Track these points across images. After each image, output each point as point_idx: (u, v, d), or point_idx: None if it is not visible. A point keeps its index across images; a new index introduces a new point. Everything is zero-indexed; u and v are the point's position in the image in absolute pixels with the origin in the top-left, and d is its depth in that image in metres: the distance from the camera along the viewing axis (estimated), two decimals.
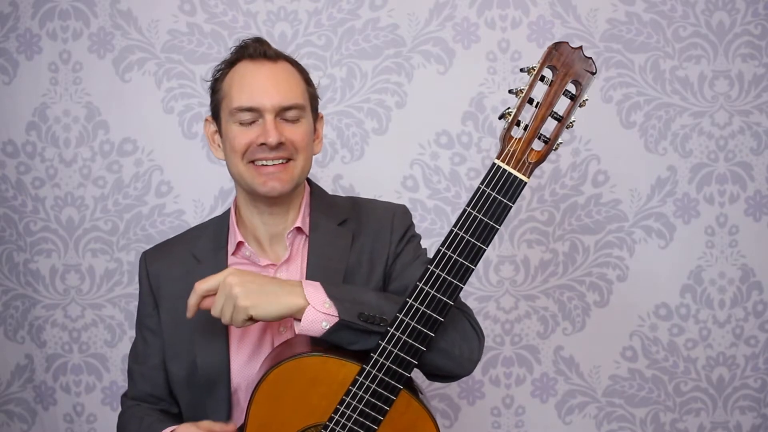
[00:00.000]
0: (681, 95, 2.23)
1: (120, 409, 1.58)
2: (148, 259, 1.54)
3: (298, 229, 1.48)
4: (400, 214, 1.51)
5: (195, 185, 2.20)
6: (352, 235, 1.47)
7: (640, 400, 2.28)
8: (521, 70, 1.21)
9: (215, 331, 1.43)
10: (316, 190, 1.55)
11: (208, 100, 2.16)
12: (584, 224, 2.25)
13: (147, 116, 2.18)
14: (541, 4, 2.19)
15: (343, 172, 2.21)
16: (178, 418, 1.51)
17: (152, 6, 2.16)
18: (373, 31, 2.19)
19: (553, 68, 1.19)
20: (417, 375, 1.47)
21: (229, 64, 1.46)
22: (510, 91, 1.22)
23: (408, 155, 2.22)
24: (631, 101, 2.22)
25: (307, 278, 1.42)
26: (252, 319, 1.28)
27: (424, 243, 1.60)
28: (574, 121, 1.22)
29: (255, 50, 1.43)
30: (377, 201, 1.59)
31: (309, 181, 1.56)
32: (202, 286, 1.30)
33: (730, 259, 2.26)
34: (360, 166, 2.22)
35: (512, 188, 1.20)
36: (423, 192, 2.22)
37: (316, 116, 1.51)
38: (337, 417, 1.26)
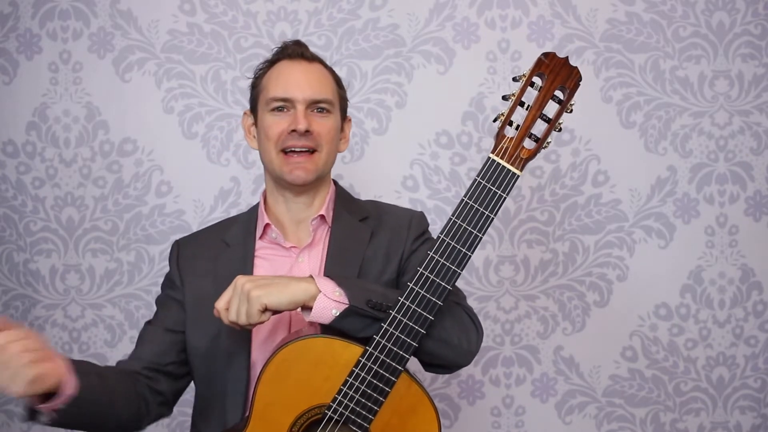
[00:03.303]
0: (681, 95, 2.23)
1: None
2: (180, 244, 1.62)
3: (322, 218, 1.56)
4: (419, 217, 1.62)
5: (195, 185, 2.20)
6: (371, 231, 1.56)
7: (640, 400, 2.28)
8: (514, 79, 1.31)
9: None
10: (341, 190, 1.64)
11: (208, 99, 2.18)
12: (584, 224, 2.25)
13: (147, 116, 2.18)
14: (541, 4, 2.19)
15: (343, 172, 2.21)
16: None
17: (152, 6, 2.16)
18: (373, 31, 2.19)
19: (542, 75, 1.30)
20: (418, 372, 1.47)
21: (270, 63, 1.58)
22: (503, 97, 1.31)
23: (408, 155, 2.22)
24: (631, 101, 2.22)
25: (325, 265, 1.51)
26: (267, 311, 1.32)
27: None
28: (561, 123, 1.32)
29: (293, 51, 1.57)
30: (396, 206, 1.69)
31: (335, 182, 1.65)
32: (220, 302, 1.35)
33: (730, 259, 2.26)
34: (360, 166, 2.22)
35: (506, 180, 1.29)
36: (423, 192, 2.22)
37: (344, 117, 1.62)
38: (340, 398, 1.31)
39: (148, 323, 1.60)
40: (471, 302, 2.23)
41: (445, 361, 1.42)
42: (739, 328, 2.28)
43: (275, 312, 1.33)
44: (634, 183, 2.24)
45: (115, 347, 2.22)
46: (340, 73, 2.17)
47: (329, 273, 1.48)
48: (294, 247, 1.54)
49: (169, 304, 1.58)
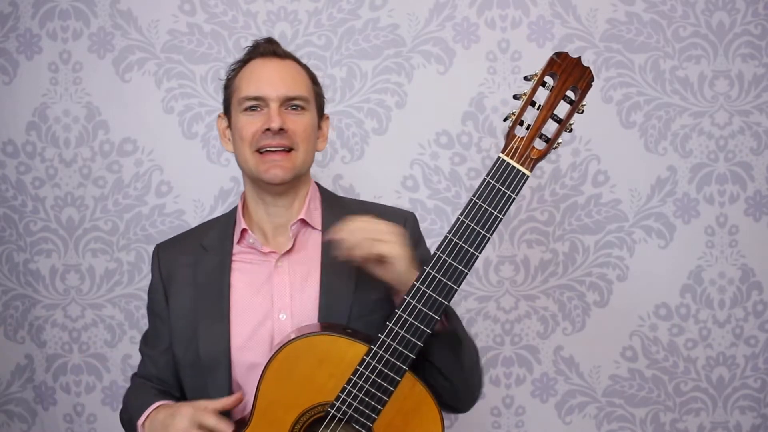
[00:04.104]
0: (681, 95, 2.23)
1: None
2: (160, 249, 1.61)
3: (303, 222, 1.52)
4: (411, 220, 1.59)
5: (195, 185, 2.20)
6: None
7: (640, 400, 2.28)
8: (525, 78, 1.30)
9: (218, 316, 1.48)
10: (325, 192, 1.61)
11: (208, 99, 2.18)
12: (584, 224, 2.25)
13: (147, 116, 2.18)
14: (541, 4, 2.19)
15: (343, 172, 2.21)
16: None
17: (152, 6, 2.16)
18: (373, 31, 2.19)
19: (553, 75, 1.29)
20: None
21: (242, 63, 1.55)
22: (515, 96, 1.30)
23: (408, 155, 2.22)
24: (631, 101, 2.22)
25: (321, 276, 1.48)
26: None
27: None
28: (572, 123, 1.30)
29: (265, 49, 1.54)
30: (386, 206, 1.67)
31: (317, 183, 1.62)
32: None
33: (730, 259, 2.26)
34: (360, 166, 2.22)
35: (515, 180, 1.28)
36: (423, 192, 2.22)
37: (321, 115, 1.58)
38: (344, 396, 1.30)
39: (145, 342, 1.60)
40: (471, 302, 2.24)
41: (453, 400, 1.42)
42: (739, 328, 2.28)
43: None
44: (634, 183, 2.24)
45: (115, 347, 2.22)
46: (340, 73, 2.18)
47: (326, 284, 1.47)
48: (273, 252, 1.51)
49: (158, 326, 1.56)
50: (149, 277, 2.17)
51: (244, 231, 1.52)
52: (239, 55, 2.14)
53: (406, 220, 1.57)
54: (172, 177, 2.20)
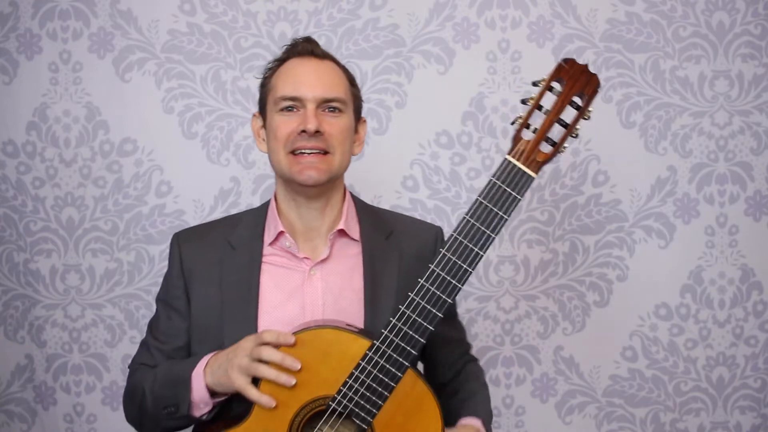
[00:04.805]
0: (681, 95, 2.23)
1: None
2: (181, 240, 1.55)
3: (341, 232, 1.51)
4: (441, 236, 1.60)
5: (195, 185, 2.20)
6: (399, 254, 1.52)
7: (640, 400, 2.28)
8: (534, 83, 1.32)
9: (245, 318, 1.46)
10: (357, 200, 1.60)
11: (208, 100, 2.18)
12: (584, 224, 2.25)
13: (147, 116, 2.18)
14: (541, 4, 2.19)
15: None
16: None
17: (152, 6, 2.16)
18: (373, 31, 2.19)
19: (561, 80, 1.32)
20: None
21: (279, 61, 1.52)
22: (522, 101, 1.32)
23: (408, 155, 2.22)
24: (631, 101, 2.22)
25: (365, 292, 1.48)
26: None
27: None
28: (579, 128, 1.33)
29: (303, 48, 1.50)
30: (414, 218, 1.67)
31: (350, 192, 1.60)
32: None
33: (730, 259, 2.26)
34: (360, 166, 2.21)
35: (521, 182, 1.30)
36: (423, 192, 2.22)
37: (358, 118, 1.56)
38: (345, 390, 1.31)
39: (154, 335, 1.54)
40: (471, 302, 2.24)
41: None
42: (739, 328, 2.28)
43: None
44: (634, 183, 2.24)
45: (115, 347, 2.22)
46: None
47: (370, 298, 1.47)
48: (307, 258, 1.49)
49: (174, 320, 1.52)
50: (149, 277, 2.20)
51: (281, 233, 1.49)
52: (239, 55, 2.17)
53: (437, 237, 1.59)
54: (172, 177, 2.20)
